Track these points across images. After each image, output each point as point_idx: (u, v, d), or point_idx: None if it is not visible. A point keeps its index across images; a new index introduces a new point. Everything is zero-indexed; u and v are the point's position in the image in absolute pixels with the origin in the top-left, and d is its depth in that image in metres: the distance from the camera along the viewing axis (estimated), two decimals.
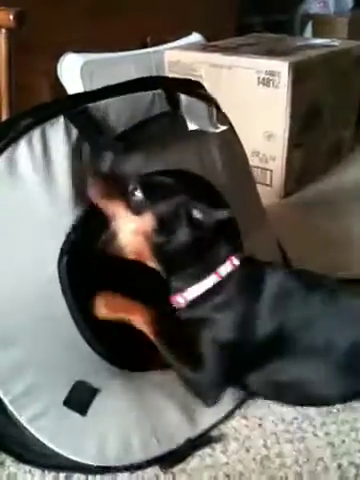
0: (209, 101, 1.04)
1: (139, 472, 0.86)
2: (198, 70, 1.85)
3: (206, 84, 1.82)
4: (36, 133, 0.82)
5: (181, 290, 0.94)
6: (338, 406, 0.97)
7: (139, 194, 0.89)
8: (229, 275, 0.93)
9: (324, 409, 0.97)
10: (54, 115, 0.84)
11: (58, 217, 0.84)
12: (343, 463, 0.87)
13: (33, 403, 0.84)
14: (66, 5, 1.87)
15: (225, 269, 0.93)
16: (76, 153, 0.85)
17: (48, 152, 0.83)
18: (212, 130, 1.01)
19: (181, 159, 1.00)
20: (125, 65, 2.00)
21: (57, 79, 1.89)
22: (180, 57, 1.91)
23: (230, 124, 1.12)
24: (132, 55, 2.03)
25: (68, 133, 0.84)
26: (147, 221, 0.89)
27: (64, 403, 0.85)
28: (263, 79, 1.72)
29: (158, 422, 0.89)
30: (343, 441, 0.91)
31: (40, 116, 0.83)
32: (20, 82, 1.43)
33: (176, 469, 0.86)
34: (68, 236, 0.84)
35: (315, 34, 2.96)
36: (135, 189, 0.89)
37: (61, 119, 0.84)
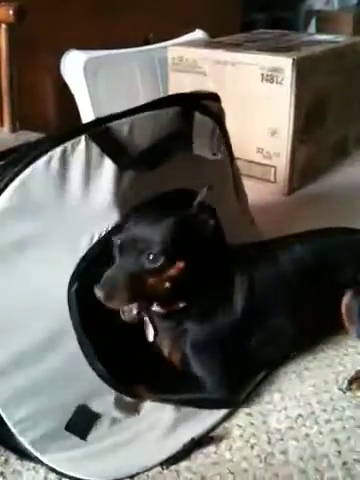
0: (216, 120, 1.04)
1: None
2: (202, 67, 1.85)
3: (210, 81, 1.84)
4: (57, 153, 0.81)
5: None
6: (343, 403, 0.97)
7: (157, 259, 0.84)
8: None
9: (329, 406, 0.96)
10: (76, 135, 0.83)
11: (73, 240, 0.84)
12: (348, 460, 0.86)
13: (36, 427, 0.85)
14: (69, 2, 1.87)
15: None
16: (96, 173, 0.84)
17: (66, 173, 0.82)
18: (210, 157, 1.00)
19: (186, 178, 0.99)
20: (128, 62, 2.00)
21: (60, 76, 1.89)
22: (184, 54, 1.90)
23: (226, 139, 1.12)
24: (135, 52, 2.03)
25: (89, 153, 0.83)
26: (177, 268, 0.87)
27: (66, 428, 0.86)
28: (267, 75, 1.71)
29: (160, 427, 0.90)
30: (348, 438, 0.90)
31: (62, 138, 0.82)
32: (23, 79, 1.43)
33: (181, 466, 0.86)
34: (79, 263, 0.84)
35: (319, 30, 2.96)
36: (153, 258, 0.84)
37: (82, 139, 0.83)
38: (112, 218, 0.86)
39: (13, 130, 1.41)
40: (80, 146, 0.82)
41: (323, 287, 1.03)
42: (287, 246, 1.06)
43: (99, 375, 0.87)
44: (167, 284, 0.87)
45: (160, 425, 0.91)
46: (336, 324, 1.05)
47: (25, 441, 0.85)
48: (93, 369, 0.87)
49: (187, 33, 2.19)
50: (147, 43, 2.11)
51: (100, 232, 0.85)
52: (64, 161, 0.82)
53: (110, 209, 0.86)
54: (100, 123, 0.86)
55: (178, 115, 0.95)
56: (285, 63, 1.66)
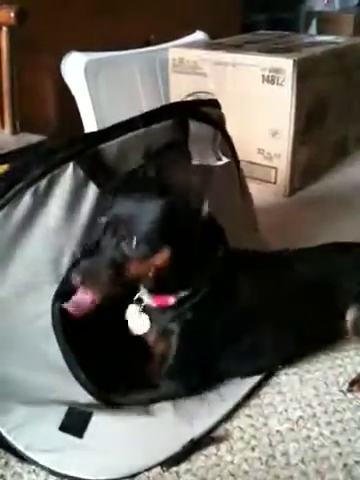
0: (216, 126, 1.03)
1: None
2: (202, 68, 1.85)
3: (210, 82, 1.84)
4: (43, 182, 0.82)
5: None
6: (344, 405, 0.97)
7: (139, 246, 0.81)
8: None
9: (330, 408, 0.96)
10: (64, 161, 0.83)
11: (54, 261, 0.85)
12: (349, 462, 0.86)
13: (29, 432, 0.86)
14: (70, 4, 1.87)
15: None
16: (80, 196, 0.85)
17: (49, 199, 0.83)
18: (213, 164, 0.99)
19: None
20: (129, 64, 2.00)
21: (61, 78, 1.89)
22: (184, 55, 1.90)
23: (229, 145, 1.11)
24: (136, 54, 2.03)
25: (75, 177, 0.84)
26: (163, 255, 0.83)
27: (60, 428, 0.86)
28: (268, 76, 1.71)
29: (158, 429, 0.90)
30: (349, 440, 0.90)
31: (50, 163, 0.83)
32: (24, 81, 1.44)
33: (181, 468, 0.86)
34: (62, 282, 0.85)
35: (320, 31, 2.96)
36: (135, 245, 0.80)
37: (70, 165, 0.83)
38: (92, 239, 0.86)
39: (14, 132, 1.41)
40: (67, 172, 0.83)
41: (322, 301, 1.02)
42: (288, 260, 1.05)
43: (81, 384, 0.88)
44: (150, 273, 0.83)
45: (159, 425, 0.91)
46: (334, 336, 1.06)
47: (19, 445, 0.85)
48: (76, 379, 0.87)
49: (188, 34, 2.19)
50: (148, 45, 2.11)
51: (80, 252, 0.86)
52: (50, 187, 0.83)
53: (90, 231, 0.86)
54: (90, 145, 0.85)
55: (171, 127, 0.94)
56: (286, 64, 1.66)
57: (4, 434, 0.86)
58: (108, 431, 0.88)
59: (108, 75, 1.92)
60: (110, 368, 0.92)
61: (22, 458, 0.86)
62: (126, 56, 2.00)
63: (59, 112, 1.97)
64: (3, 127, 1.42)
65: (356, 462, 0.86)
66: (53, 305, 0.85)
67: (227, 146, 1.08)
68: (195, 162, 0.97)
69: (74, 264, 0.84)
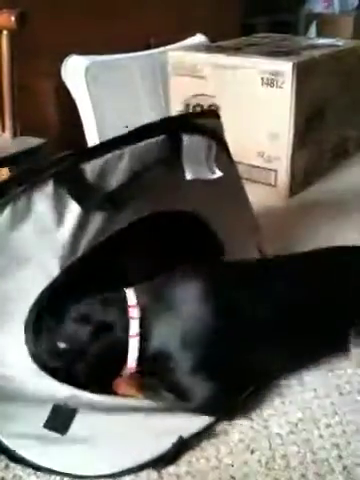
0: (213, 138, 1.01)
1: (143, 474, 0.86)
2: (202, 71, 1.85)
3: (210, 85, 1.84)
4: (23, 199, 0.82)
5: None
6: (343, 408, 0.97)
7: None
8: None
9: (330, 411, 0.96)
10: (44, 180, 0.83)
11: (36, 275, 0.85)
12: (348, 464, 0.86)
13: (14, 428, 0.86)
14: (70, 7, 1.87)
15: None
16: (61, 213, 0.85)
17: (31, 214, 0.83)
18: (207, 177, 0.99)
19: (176, 199, 0.99)
20: (129, 67, 2.01)
21: (61, 81, 1.90)
22: (184, 58, 1.90)
23: (228, 154, 1.10)
24: (136, 56, 2.04)
25: (57, 197, 0.83)
26: None
27: (44, 426, 0.87)
28: (267, 79, 1.71)
29: (147, 426, 0.90)
30: (349, 442, 0.90)
31: (30, 181, 0.83)
32: (24, 84, 1.44)
33: (181, 470, 0.86)
34: (42, 293, 0.85)
35: (319, 34, 2.96)
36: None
37: (50, 182, 0.83)
38: (73, 256, 0.87)
39: (14, 135, 1.42)
40: (47, 189, 0.83)
41: (323, 316, 1.00)
42: (289, 270, 1.03)
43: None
44: None
45: (149, 422, 0.90)
46: (335, 350, 1.05)
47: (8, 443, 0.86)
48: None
49: (188, 37, 2.19)
50: (148, 48, 2.11)
51: (61, 268, 0.86)
52: (29, 203, 0.82)
53: (71, 247, 0.86)
54: (74, 164, 0.85)
55: (163, 144, 0.92)
56: (285, 67, 1.67)
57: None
58: (94, 428, 0.88)
59: (108, 78, 1.93)
60: None
61: (20, 461, 0.86)
62: (126, 59, 2.00)
63: (59, 115, 1.97)
64: (3, 130, 1.42)
65: (356, 464, 0.86)
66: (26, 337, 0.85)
67: (224, 154, 1.07)
68: (188, 177, 0.97)
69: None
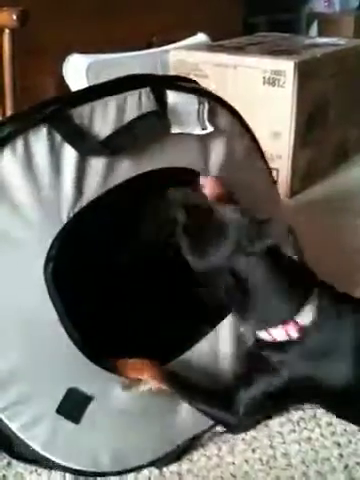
0: (203, 95, 0.99)
1: (144, 471, 0.86)
2: (204, 70, 1.85)
3: (212, 84, 1.84)
4: (19, 141, 0.80)
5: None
6: None
7: None
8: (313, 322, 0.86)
9: None
10: (36, 124, 0.81)
11: (45, 224, 0.83)
12: (350, 463, 0.86)
13: (25, 412, 0.83)
14: (72, 6, 1.87)
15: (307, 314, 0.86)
16: (60, 158, 0.83)
17: (33, 159, 0.81)
18: (197, 132, 0.97)
19: (182, 157, 0.97)
20: (130, 65, 2.00)
21: (63, 80, 1.90)
22: (186, 57, 1.91)
23: (235, 117, 1.08)
24: (138, 55, 2.04)
25: (52, 140, 0.82)
26: None
27: (57, 411, 0.84)
28: (269, 78, 1.71)
29: (158, 425, 0.89)
30: (350, 441, 0.90)
31: (22, 125, 0.81)
32: (26, 83, 1.44)
33: (183, 468, 0.86)
34: (53, 243, 0.83)
35: (321, 33, 2.96)
36: None
37: (44, 128, 0.81)
38: (79, 203, 0.85)
39: None
40: (41, 132, 0.81)
41: None
42: None
43: (76, 344, 0.84)
44: None
45: (157, 421, 0.90)
46: None
47: (14, 427, 0.83)
48: (70, 338, 0.84)
49: (189, 36, 2.19)
50: (150, 47, 2.11)
51: (68, 216, 0.84)
52: (28, 148, 0.81)
53: (77, 194, 0.85)
54: (62, 109, 0.84)
55: (148, 97, 0.91)
56: (287, 66, 1.67)
57: None
58: (106, 421, 0.87)
59: (110, 77, 1.92)
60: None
61: (25, 459, 0.85)
62: (128, 58, 2.00)
63: None
64: None
65: (357, 463, 0.86)
66: (45, 269, 0.82)
67: (224, 111, 1.04)
68: (173, 130, 0.94)
69: None
